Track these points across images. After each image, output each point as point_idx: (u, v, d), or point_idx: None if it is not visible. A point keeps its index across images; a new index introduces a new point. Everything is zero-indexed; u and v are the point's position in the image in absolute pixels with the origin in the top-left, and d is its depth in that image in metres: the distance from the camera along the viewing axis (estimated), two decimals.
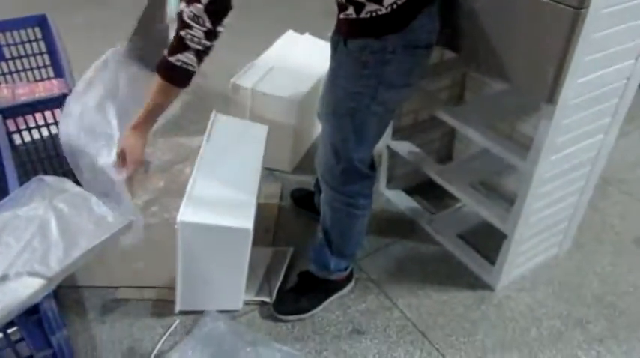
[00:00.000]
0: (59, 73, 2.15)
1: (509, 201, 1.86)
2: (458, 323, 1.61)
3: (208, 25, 1.21)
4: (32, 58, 2.17)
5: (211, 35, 1.24)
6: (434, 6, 1.27)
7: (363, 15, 1.22)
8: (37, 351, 1.14)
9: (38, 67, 2.20)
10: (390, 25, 1.22)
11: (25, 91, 2.10)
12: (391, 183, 2.03)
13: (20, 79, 2.18)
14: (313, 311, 1.61)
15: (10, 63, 2.14)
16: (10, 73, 2.15)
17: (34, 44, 2.14)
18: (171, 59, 1.27)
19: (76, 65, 1.88)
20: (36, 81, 2.21)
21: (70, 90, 1.71)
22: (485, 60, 1.40)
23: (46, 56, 2.19)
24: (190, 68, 1.29)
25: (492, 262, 1.69)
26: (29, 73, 2.19)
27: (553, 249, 1.80)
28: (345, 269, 1.62)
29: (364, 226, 1.57)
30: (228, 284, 1.56)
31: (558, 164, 1.47)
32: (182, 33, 1.23)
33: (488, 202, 1.68)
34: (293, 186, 2.04)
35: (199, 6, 1.19)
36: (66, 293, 1.59)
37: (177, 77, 1.31)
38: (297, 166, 2.18)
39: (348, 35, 1.28)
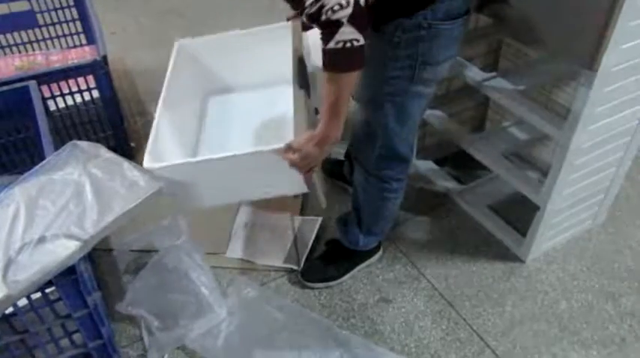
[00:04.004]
0: (91, 40, 2.17)
1: (542, 172, 1.82)
2: (486, 294, 1.60)
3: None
4: (65, 25, 2.20)
5: None
6: None
7: None
8: (73, 311, 1.18)
9: (71, 34, 2.22)
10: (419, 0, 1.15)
11: (58, 58, 2.13)
12: (421, 153, 2.01)
13: (54, 46, 2.22)
14: (341, 280, 1.62)
15: (44, 29, 2.17)
16: (44, 39, 2.19)
17: (67, 11, 2.17)
18: (329, 47, 1.07)
19: (106, 31, 1.89)
20: (69, 48, 2.24)
21: (103, 57, 1.72)
22: (523, 25, 1.35)
23: (78, 23, 2.21)
24: (352, 45, 1.07)
25: (523, 234, 1.67)
26: (62, 40, 2.22)
27: (587, 221, 1.77)
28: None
29: (396, 207, 1.55)
30: None
31: (596, 134, 1.43)
32: (322, 18, 1.05)
33: (521, 173, 1.64)
34: None
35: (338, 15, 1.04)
36: (101, 256, 1.63)
37: (345, 63, 1.11)
38: None
39: (379, 19, 1.20)
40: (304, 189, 1.35)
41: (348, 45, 1.07)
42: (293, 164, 1.22)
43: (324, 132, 1.19)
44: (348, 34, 1.06)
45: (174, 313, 1.43)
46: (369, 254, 1.65)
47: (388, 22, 1.19)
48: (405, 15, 1.17)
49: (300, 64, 1.43)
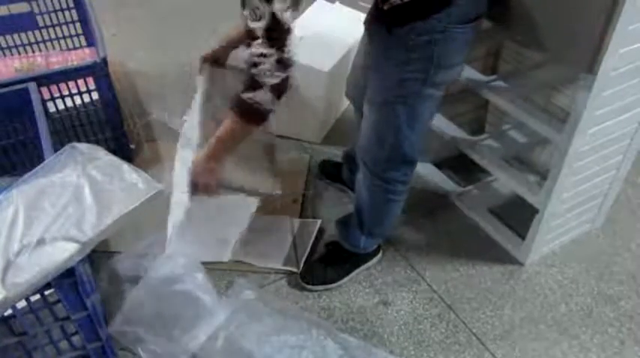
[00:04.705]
0: (91, 42, 2.17)
1: (541, 175, 1.82)
2: (485, 297, 1.60)
3: (275, 54, 1.14)
4: (64, 27, 2.19)
5: (283, 64, 1.16)
6: None
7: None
8: (72, 313, 1.17)
9: (70, 36, 2.22)
10: (435, 3, 1.16)
11: (58, 60, 2.13)
12: (421, 155, 2.00)
13: (53, 48, 2.21)
14: (340, 282, 1.61)
15: (44, 31, 2.17)
16: (44, 41, 2.19)
17: (67, 13, 2.16)
18: (244, 96, 1.21)
19: (106, 33, 1.89)
20: (68, 49, 2.24)
21: (103, 59, 1.72)
22: (523, 28, 1.35)
23: (78, 25, 2.21)
24: (264, 107, 1.21)
25: (523, 237, 1.67)
26: (62, 42, 2.22)
27: (586, 225, 1.77)
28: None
29: (399, 209, 1.55)
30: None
31: (596, 138, 1.43)
32: (253, 71, 1.17)
33: (521, 176, 1.65)
34: (321, 158, 2.03)
35: (259, 40, 1.13)
36: (100, 258, 1.63)
37: (249, 115, 1.24)
38: (326, 137, 2.17)
39: (393, 23, 1.22)
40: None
41: (256, 106, 1.20)
42: (195, 184, 1.37)
43: (209, 155, 1.34)
44: (262, 97, 1.19)
45: (171, 326, 1.42)
46: (368, 256, 1.65)
47: (403, 25, 1.20)
48: (419, 18, 1.17)
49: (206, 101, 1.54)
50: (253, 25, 1.12)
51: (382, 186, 1.45)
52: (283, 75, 1.18)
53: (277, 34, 1.14)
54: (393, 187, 1.45)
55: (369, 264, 1.66)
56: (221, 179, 1.40)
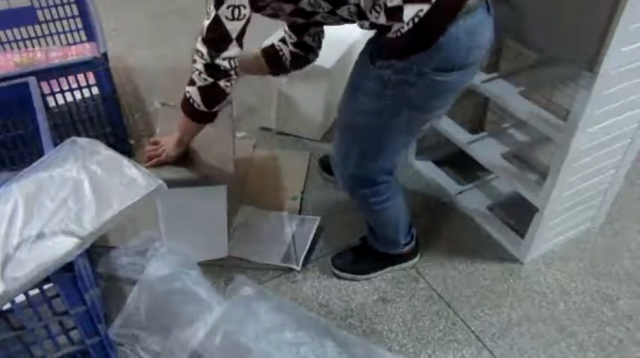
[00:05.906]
0: (91, 37, 2.17)
1: (541, 173, 1.82)
2: (484, 295, 1.60)
3: (207, 57, 1.16)
4: (65, 22, 2.19)
5: (211, 69, 1.17)
6: (477, 15, 1.09)
7: (389, 35, 1.12)
8: (71, 307, 1.17)
9: (71, 31, 2.22)
10: (413, 43, 1.10)
11: (58, 55, 2.13)
12: (420, 153, 2.01)
13: (53, 43, 2.21)
14: (368, 276, 1.61)
15: (44, 26, 2.16)
16: (44, 36, 2.18)
17: (67, 7, 2.16)
18: (185, 89, 1.25)
19: (107, 28, 1.89)
20: (69, 44, 2.23)
21: (103, 54, 1.72)
22: (524, 27, 1.35)
23: (78, 19, 2.20)
24: (195, 105, 1.24)
25: (522, 235, 1.67)
26: (62, 36, 2.22)
27: (585, 223, 1.77)
28: (405, 246, 1.61)
29: (397, 215, 1.51)
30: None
31: (596, 136, 1.43)
32: (192, 67, 1.21)
33: (520, 174, 1.65)
34: (322, 154, 2.03)
35: (199, 37, 1.16)
36: (99, 253, 1.63)
37: (185, 108, 1.28)
38: (327, 134, 2.17)
39: (377, 54, 1.19)
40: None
41: (191, 101, 1.24)
42: (149, 154, 1.45)
43: (178, 138, 1.40)
44: (194, 94, 1.22)
45: (170, 324, 1.41)
46: (400, 258, 1.63)
47: (385, 59, 1.17)
48: (397, 57, 1.14)
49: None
50: (205, 22, 1.14)
51: (358, 200, 1.46)
52: (209, 81, 1.18)
53: (213, 36, 1.14)
54: (367, 200, 1.44)
55: (404, 265, 1.64)
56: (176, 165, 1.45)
